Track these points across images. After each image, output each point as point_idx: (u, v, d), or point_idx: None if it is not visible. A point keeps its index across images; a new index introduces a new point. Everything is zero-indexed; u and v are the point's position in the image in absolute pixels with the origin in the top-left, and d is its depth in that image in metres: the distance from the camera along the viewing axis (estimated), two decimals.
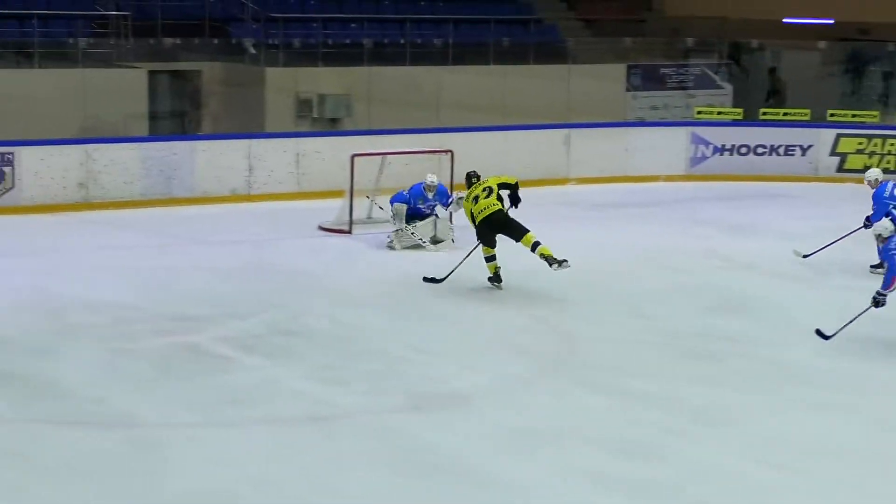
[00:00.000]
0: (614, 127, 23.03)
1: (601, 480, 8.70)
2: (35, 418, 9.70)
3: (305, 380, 10.74)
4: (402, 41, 23.57)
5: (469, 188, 14.37)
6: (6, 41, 20.46)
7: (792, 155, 22.65)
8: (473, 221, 14.08)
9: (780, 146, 22.63)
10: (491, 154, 20.97)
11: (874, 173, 15.73)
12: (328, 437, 9.41)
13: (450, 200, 16.07)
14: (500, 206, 13.99)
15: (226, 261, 15.24)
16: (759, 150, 22.57)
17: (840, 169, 22.20)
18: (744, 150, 22.46)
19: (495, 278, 14.00)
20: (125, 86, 20.69)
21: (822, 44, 26.26)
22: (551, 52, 24.95)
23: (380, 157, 17.87)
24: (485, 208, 13.94)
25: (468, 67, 23.47)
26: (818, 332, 12.01)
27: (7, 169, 17.98)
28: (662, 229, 17.64)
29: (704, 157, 22.54)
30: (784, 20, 27.38)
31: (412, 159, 18.53)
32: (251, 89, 21.91)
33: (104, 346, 11.56)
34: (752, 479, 8.88)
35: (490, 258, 14.02)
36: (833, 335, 11.88)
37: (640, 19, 28.15)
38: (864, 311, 11.86)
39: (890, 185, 15.09)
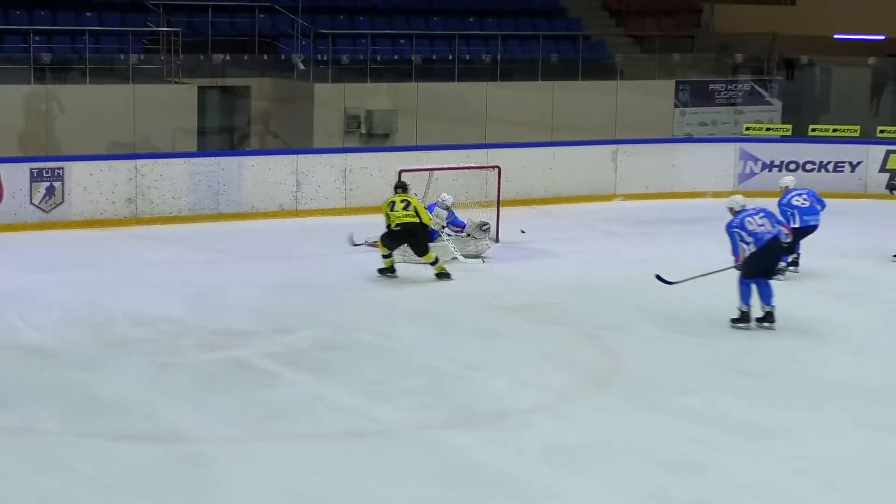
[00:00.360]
0: (662, 143, 23.00)
1: (652, 496, 8.67)
2: (83, 432, 9.76)
3: (351, 395, 10.74)
4: (450, 57, 23.59)
5: (393, 195, 15.63)
6: (59, 57, 20.62)
7: (841, 171, 22.54)
8: (388, 224, 15.35)
9: (829, 162, 22.54)
10: (538, 170, 21.01)
11: (785, 181, 16.21)
12: (374, 453, 9.40)
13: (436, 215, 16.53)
14: (416, 220, 15.28)
15: (272, 276, 15.30)
16: (808, 166, 22.47)
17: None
18: (792, 166, 22.36)
19: (389, 270, 15.39)
20: (175, 102, 20.83)
21: (871, 60, 26.12)
22: (599, 67, 24.92)
23: (427, 172, 17.90)
24: (402, 217, 15.26)
25: (516, 83, 23.48)
26: (658, 277, 13.08)
27: (57, 184, 18.14)
28: (709, 245, 17.53)
29: (753, 174, 22.46)
30: (835, 36, 27.25)
31: (459, 174, 18.56)
32: (300, 105, 22.00)
33: (151, 360, 11.63)
34: (801, 495, 8.84)
35: (387, 256, 15.39)
36: (676, 282, 12.78)
37: (688, 35, 28.08)
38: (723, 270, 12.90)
39: (794, 193, 15.63)
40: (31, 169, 18.09)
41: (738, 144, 22.72)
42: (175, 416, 10.13)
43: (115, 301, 13.76)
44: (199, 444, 9.54)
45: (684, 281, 13.98)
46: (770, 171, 22.26)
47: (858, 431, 10.13)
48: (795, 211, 15.38)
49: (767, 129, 23.56)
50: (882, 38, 26.73)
